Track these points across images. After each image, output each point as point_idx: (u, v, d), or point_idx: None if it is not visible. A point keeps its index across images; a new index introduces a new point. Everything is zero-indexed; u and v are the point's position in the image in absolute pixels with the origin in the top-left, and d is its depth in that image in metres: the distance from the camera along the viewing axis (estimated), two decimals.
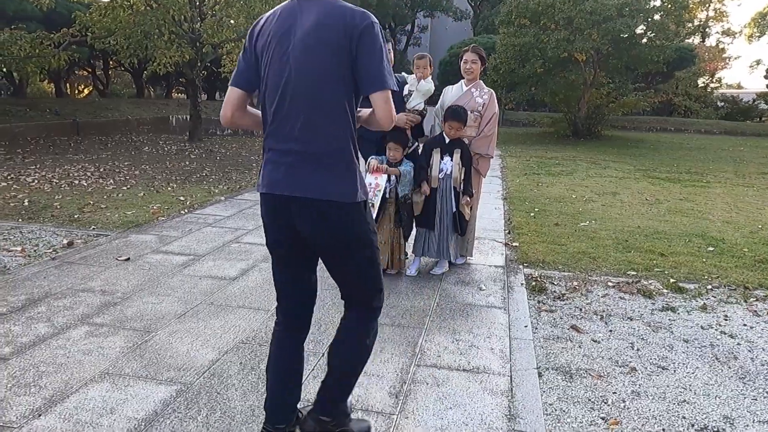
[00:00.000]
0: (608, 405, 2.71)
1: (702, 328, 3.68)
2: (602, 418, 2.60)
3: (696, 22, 42.04)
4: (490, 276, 4.60)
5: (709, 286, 4.48)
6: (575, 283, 4.46)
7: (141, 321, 3.46)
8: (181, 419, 2.44)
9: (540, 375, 2.97)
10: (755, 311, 4.00)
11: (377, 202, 4.18)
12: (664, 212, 7.61)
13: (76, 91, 28.17)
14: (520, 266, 4.89)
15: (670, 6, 17.32)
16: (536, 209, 7.41)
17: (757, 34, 42.45)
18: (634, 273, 4.76)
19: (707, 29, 44.38)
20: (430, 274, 4.56)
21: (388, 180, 4.40)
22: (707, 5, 43.09)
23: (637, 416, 2.62)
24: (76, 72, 23.81)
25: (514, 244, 5.61)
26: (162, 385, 2.72)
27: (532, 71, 17.91)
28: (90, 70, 22.01)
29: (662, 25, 17.23)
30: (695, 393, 2.85)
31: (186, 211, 6.62)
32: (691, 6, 38.73)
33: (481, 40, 27.59)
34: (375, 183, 4.29)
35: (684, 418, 2.62)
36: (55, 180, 8.26)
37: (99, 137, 14.47)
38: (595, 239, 5.87)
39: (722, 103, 34.84)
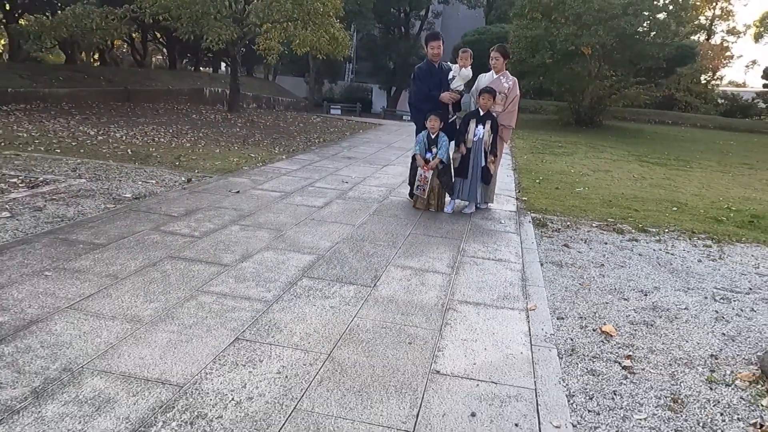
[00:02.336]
0: (583, 279, 4.35)
1: (653, 250, 5.32)
2: (579, 284, 4.23)
3: (702, 20, 43.29)
4: (506, 216, 6.23)
5: (666, 230, 6.12)
6: (568, 223, 6.09)
7: (271, 225, 5.09)
8: (326, 267, 4.07)
9: (541, 264, 4.61)
10: (694, 244, 5.64)
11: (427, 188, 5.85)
12: (646, 186, 9.23)
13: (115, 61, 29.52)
14: (528, 212, 6.52)
15: (672, 7, 18.74)
16: (540, 178, 9.02)
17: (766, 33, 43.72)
18: (612, 220, 6.40)
19: (713, 27, 45.65)
20: (462, 212, 6.18)
21: (430, 150, 6.02)
22: (714, 3, 44.28)
23: (602, 284, 4.26)
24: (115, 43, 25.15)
25: (523, 198, 7.24)
26: (306, 254, 4.35)
27: (541, 62, 19.37)
28: (129, 41, 23.37)
29: (664, 24, 18.67)
30: (639, 277, 4.49)
31: (261, 164, 8.23)
32: (697, 3, 39.96)
33: (494, 29, 28.98)
34: (424, 175, 5.93)
35: (629, 287, 4.25)
36: (138, 137, 9.85)
37: (146, 104, 15.98)
38: (586, 199, 7.50)
39: (722, 100, 36.23)
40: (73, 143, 8.61)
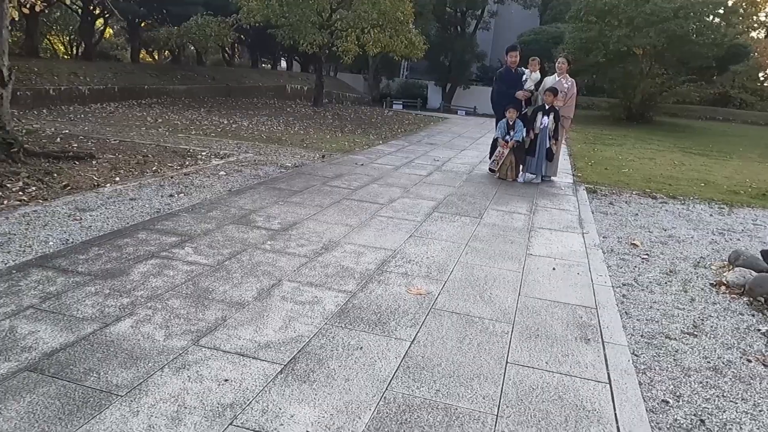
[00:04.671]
0: (621, 220, 6.29)
1: (677, 208, 7.18)
2: (619, 223, 6.17)
3: (762, 17, 43.08)
4: (565, 185, 8.18)
5: (691, 198, 7.93)
6: (613, 191, 7.99)
7: (398, 185, 7.21)
8: (446, 208, 6.16)
9: (592, 212, 6.57)
10: (710, 206, 7.46)
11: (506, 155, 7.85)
12: (684, 170, 10.93)
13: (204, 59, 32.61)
14: (582, 183, 8.43)
15: (721, 10, 19.95)
16: (592, 162, 10.87)
17: None
18: (649, 190, 8.24)
19: None
20: (531, 183, 8.16)
21: (509, 133, 8.02)
22: None
23: (635, 224, 6.18)
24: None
25: (578, 174, 9.15)
26: (429, 201, 6.45)
27: (595, 61, 20.92)
28: (220, 44, 26.16)
29: (713, 26, 19.91)
30: (663, 221, 6.38)
31: (366, 147, 10.42)
32: (757, 0, 40.00)
33: (549, 29, 30.45)
34: (501, 151, 7.94)
35: (654, 226, 6.16)
36: (260, 125, 12.21)
37: (244, 99, 18.51)
38: (629, 177, 9.34)
39: None
40: (218, 129, 11.02)
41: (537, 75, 8.24)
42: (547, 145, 8.05)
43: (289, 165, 7.99)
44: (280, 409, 2.38)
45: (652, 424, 2.51)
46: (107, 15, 17.75)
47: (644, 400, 2.69)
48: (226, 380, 2.55)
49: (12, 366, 2.53)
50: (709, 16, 20.20)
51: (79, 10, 17.82)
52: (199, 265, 3.91)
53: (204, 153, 8.36)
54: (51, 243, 4.14)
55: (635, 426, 2.47)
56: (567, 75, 8.23)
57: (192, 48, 20.83)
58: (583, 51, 21.18)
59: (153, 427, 2.20)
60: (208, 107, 14.90)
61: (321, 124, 13.88)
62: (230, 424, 2.26)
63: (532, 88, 8.25)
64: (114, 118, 11.46)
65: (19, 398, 2.31)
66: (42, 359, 2.60)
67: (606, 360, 3.04)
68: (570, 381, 2.79)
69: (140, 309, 3.18)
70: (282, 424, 2.28)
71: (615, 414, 2.55)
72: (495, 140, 8.30)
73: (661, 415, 2.59)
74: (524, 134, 8.05)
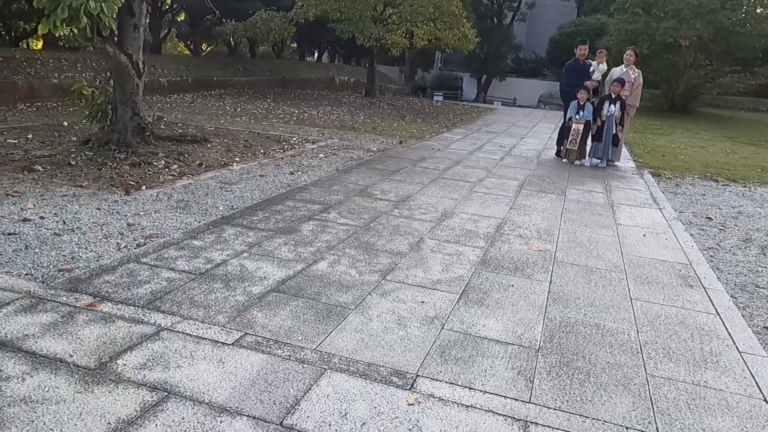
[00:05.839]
0: (691, 199, 6.89)
1: (740, 190, 7.73)
2: (689, 201, 6.78)
3: None
4: (630, 169, 8.78)
5: (751, 182, 8.46)
6: (676, 175, 8.56)
7: (480, 167, 7.91)
8: (530, 187, 6.84)
9: (662, 192, 7.17)
10: (765, 188, 7.99)
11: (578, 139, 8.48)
12: (737, 158, 11.37)
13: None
14: (644, 168, 9.02)
15: None
16: (648, 149, 11.40)
17: None
18: (709, 174, 8.78)
19: None
20: (597, 166, 8.77)
21: (578, 113, 8.64)
22: None
23: (704, 202, 6.77)
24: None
25: (639, 160, 9.72)
26: (513, 181, 7.13)
27: (640, 52, 21.14)
28: (280, 38, 27.17)
29: (761, 17, 20.01)
30: (729, 201, 6.95)
31: (434, 134, 11.13)
32: None
33: (590, 20, 30.60)
34: (576, 128, 8.56)
35: (723, 204, 6.74)
36: (328, 114, 13.01)
37: (299, 90, 19.36)
38: (687, 162, 9.87)
39: None
40: (293, 118, 11.86)
41: (604, 66, 8.85)
42: (613, 132, 8.65)
43: (374, 149, 8.76)
44: (472, 321, 3.13)
45: (759, 340, 3.19)
46: (175, 8, 18.76)
47: (749, 326, 3.37)
48: (422, 302, 3.32)
49: (262, 289, 3.33)
50: (757, 9, 20.28)
51: (149, 7, 18.90)
52: (350, 225, 4.69)
53: (293, 139, 9.18)
54: (221, 208, 4.98)
55: (746, 340, 3.16)
56: (634, 66, 8.80)
57: (245, 41, 21.72)
58: (629, 43, 21.39)
59: (388, 328, 2.97)
60: (273, 98, 15.78)
61: (381, 113, 14.63)
62: (442, 328, 3.02)
63: (599, 78, 8.85)
64: (196, 108, 12.39)
65: (283, 307, 3.11)
66: (278, 285, 3.40)
67: (710, 299, 3.71)
68: (686, 312, 3.48)
69: (327, 255, 3.97)
70: (479, 330, 3.03)
71: (728, 333, 3.24)
72: (562, 128, 8.94)
73: (764, 337, 3.27)
74: (590, 118, 8.68)
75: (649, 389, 2.58)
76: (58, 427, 2.03)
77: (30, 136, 7.52)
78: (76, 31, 6.14)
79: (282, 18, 16.74)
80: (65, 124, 8.85)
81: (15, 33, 15.81)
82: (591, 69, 8.83)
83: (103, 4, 6.07)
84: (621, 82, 8.53)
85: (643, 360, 2.84)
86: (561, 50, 33.10)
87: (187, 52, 26.76)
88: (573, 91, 8.73)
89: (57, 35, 6.45)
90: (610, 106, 8.61)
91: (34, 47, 17.43)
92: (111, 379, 2.33)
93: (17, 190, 5.00)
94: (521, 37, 44.87)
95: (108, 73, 8.10)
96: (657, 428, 2.30)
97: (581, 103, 8.62)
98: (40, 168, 5.83)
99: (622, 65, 8.85)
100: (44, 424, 2.03)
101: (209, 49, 24.48)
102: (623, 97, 8.62)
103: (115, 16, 6.24)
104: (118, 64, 6.94)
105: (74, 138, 7.61)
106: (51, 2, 5.89)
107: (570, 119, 8.73)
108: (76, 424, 2.05)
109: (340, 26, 16.62)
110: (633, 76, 8.69)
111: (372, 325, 2.99)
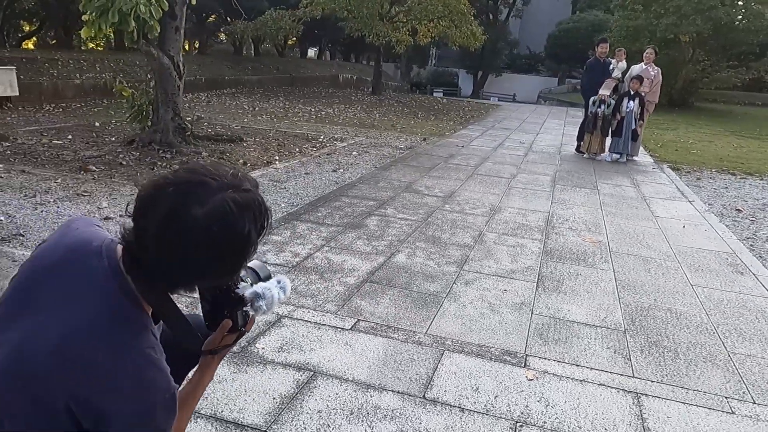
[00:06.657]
0: (716, 192, 7.18)
1: (759, 182, 8.04)
2: (715, 193, 7.06)
3: None
4: (649, 164, 9.07)
5: (766, 175, 8.78)
6: (694, 169, 8.86)
7: (508, 163, 8.15)
8: (563, 182, 7.10)
9: (687, 186, 7.46)
10: None
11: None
12: (746, 152, 11.71)
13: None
14: (662, 163, 9.31)
15: None
16: (660, 144, 11.71)
17: None
18: (726, 168, 9.10)
19: None
20: (618, 161, 9.05)
21: (600, 106, 8.91)
22: None
23: (728, 195, 7.06)
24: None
25: (655, 155, 10.02)
26: (544, 176, 7.39)
27: (640, 48, 21.50)
28: (288, 36, 27.32)
29: (758, 13, 20.42)
30: (752, 193, 7.25)
31: (452, 131, 11.37)
32: None
33: (588, 16, 30.95)
34: (601, 94, 8.81)
35: (749, 197, 7.04)
36: (344, 112, 13.20)
37: (305, 88, 19.51)
38: (701, 157, 10.18)
39: None
40: (312, 116, 12.04)
41: (623, 64, 9.13)
42: (633, 127, 8.93)
43: (402, 147, 8.99)
44: (557, 306, 3.38)
45: None
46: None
47: None
48: (505, 290, 3.56)
49: (355, 280, 3.56)
50: (755, 5, 20.68)
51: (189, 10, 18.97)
52: (410, 220, 4.93)
53: (321, 137, 9.39)
54: (283, 205, 5.19)
55: None
56: (653, 64, 9.09)
57: (250, 40, 21.83)
58: (630, 39, 21.77)
59: (483, 314, 3.21)
60: (284, 96, 15.95)
61: (394, 110, 14.85)
62: (532, 313, 3.26)
63: (619, 76, 9.13)
64: (215, 107, 12.55)
65: (381, 296, 3.34)
66: (369, 276, 3.63)
67: (763, 285, 3.99)
68: (744, 297, 3.75)
69: (402, 248, 4.20)
70: (566, 314, 3.28)
71: None
72: (583, 123, 9.21)
73: None
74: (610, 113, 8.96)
75: (734, 364, 2.84)
76: (231, 401, 2.25)
77: (70, 137, 7.68)
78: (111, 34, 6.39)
79: (291, 17, 16.88)
80: (97, 124, 9.00)
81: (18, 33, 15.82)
82: (611, 67, 9.10)
83: (150, 8, 6.25)
84: (640, 79, 8.81)
85: (720, 339, 3.10)
86: (560, 46, 33.53)
87: (195, 50, 26.83)
88: (595, 88, 9.00)
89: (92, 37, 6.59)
90: (629, 102, 8.89)
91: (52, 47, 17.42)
92: (257, 361, 2.55)
93: (85, 189, 5.19)
94: (516, 33, 45.23)
95: (149, 74, 8.25)
96: (752, 398, 2.56)
97: (603, 99, 8.90)
98: (94, 168, 6.00)
99: (642, 63, 9.13)
100: (217, 400, 2.25)
101: (210, 49, 24.59)
102: (642, 94, 8.90)
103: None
104: (161, 65, 7.11)
105: (113, 138, 7.78)
106: (100, 7, 6.07)
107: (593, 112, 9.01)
108: (245, 400, 2.27)
109: (349, 24, 16.80)
110: (653, 73, 8.98)
111: (468, 311, 3.23)
